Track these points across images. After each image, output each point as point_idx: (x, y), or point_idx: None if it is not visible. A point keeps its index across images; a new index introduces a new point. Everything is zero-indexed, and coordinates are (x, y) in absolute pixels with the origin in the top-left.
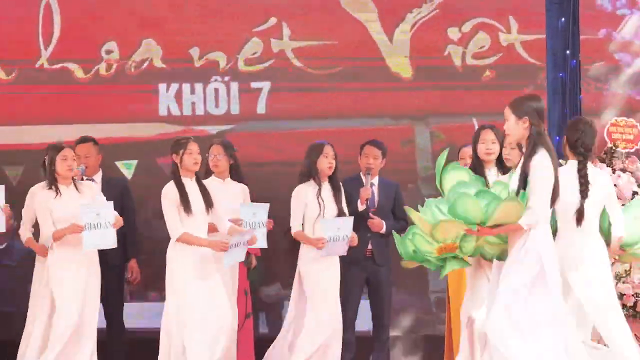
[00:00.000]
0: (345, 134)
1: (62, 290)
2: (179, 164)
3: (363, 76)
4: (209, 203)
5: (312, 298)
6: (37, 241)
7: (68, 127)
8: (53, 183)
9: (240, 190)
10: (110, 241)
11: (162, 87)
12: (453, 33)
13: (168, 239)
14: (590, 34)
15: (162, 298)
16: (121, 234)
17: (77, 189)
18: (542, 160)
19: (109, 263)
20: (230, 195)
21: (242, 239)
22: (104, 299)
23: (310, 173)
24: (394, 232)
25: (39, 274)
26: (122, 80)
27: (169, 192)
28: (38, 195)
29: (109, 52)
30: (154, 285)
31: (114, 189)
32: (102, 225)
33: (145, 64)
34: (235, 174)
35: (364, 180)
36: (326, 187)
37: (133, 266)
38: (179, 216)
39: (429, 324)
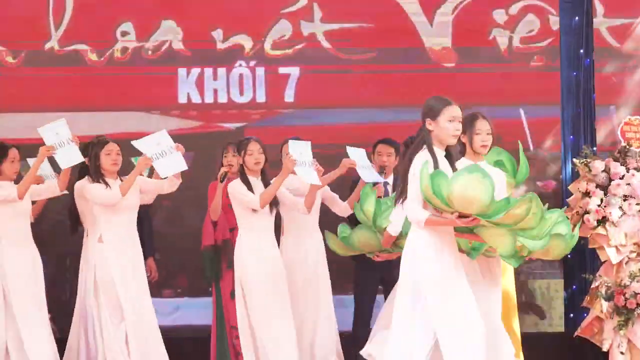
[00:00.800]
0: (380, 127)
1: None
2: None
3: (400, 62)
4: (273, 202)
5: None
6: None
7: (78, 115)
8: (100, 178)
9: None
10: (182, 163)
11: (181, 72)
12: (499, 15)
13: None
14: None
15: (176, 295)
16: (138, 232)
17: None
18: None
19: None
20: None
21: (159, 148)
22: None
23: (240, 170)
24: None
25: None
26: (138, 64)
27: (236, 186)
28: (87, 184)
29: (124, 34)
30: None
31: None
32: (167, 152)
33: (164, 47)
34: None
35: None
36: (258, 184)
37: (150, 264)
38: (244, 212)
39: None
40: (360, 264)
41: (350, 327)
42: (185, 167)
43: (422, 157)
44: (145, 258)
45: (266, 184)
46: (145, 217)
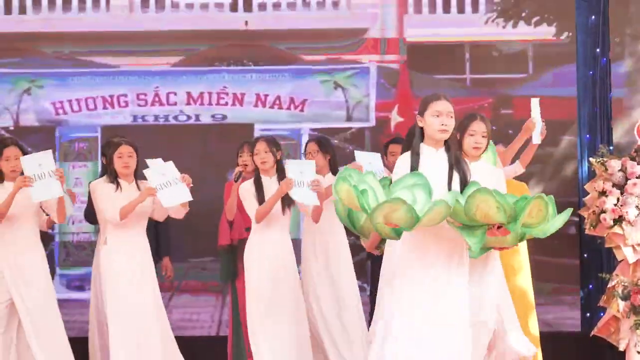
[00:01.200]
0: None
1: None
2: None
3: None
4: (287, 202)
5: None
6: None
7: None
8: (115, 179)
9: None
10: (187, 195)
11: None
12: None
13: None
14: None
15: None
16: (154, 232)
17: (138, 187)
18: None
19: None
20: None
21: (164, 178)
22: None
23: (255, 170)
24: None
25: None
26: None
27: (243, 191)
28: (99, 187)
29: None
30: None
31: None
32: (172, 183)
33: None
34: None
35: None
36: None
37: (167, 264)
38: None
39: None
40: (375, 258)
41: None
42: (189, 199)
43: (402, 158)
44: (161, 257)
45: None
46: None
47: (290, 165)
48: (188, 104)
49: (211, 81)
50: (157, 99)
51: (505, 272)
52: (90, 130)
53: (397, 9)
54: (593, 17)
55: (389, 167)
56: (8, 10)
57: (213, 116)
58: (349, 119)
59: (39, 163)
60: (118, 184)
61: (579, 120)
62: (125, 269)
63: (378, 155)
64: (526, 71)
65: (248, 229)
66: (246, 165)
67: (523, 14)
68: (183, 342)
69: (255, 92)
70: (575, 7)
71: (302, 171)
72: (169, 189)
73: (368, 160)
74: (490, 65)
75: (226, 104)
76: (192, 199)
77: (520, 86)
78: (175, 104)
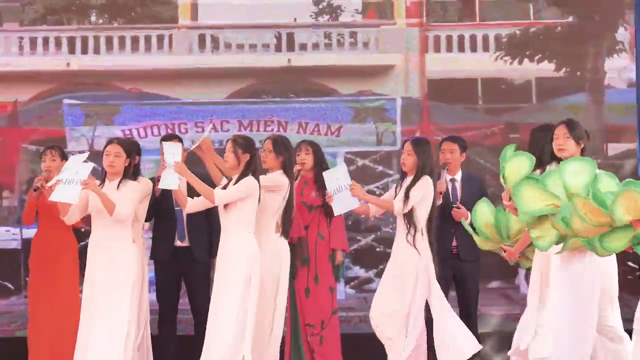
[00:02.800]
0: None
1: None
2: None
3: None
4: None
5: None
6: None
7: None
8: (105, 178)
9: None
10: (175, 183)
11: None
12: None
13: None
14: None
15: None
16: (207, 230)
17: (118, 187)
18: None
19: (194, 258)
20: None
21: (68, 175)
22: (191, 293)
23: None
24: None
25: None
26: None
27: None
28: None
29: None
30: None
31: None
32: (70, 181)
33: None
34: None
35: (441, 174)
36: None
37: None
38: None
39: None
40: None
41: None
42: (175, 187)
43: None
44: (214, 256)
45: (320, 184)
46: (215, 216)
47: (326, 176)
48: (239, 131)
49: (259, 111)
50: (212, 126)
51: None
52: (155, 154)
53: (420, 48)
54: None
55: (442, 162)
56: (84, 50)
57: (261, 141)
58: (378, 143)
59: (76, 170)
60: (103, 183)
61: (639, 117)
62: (89, 266)
63: (343, 167)
64: (530, 101)
65: (307, 227)
66: (303, 163)
67: (527, 52)
68: None
69: (298, 121)
70: (635, 3)
71: (338, 177)
72: (64, 185)
73: (335, 176)
74: (499, 96)
75: (272, 130)
76: (178, 188)
77: (525, 114)
78: (228, 130)
